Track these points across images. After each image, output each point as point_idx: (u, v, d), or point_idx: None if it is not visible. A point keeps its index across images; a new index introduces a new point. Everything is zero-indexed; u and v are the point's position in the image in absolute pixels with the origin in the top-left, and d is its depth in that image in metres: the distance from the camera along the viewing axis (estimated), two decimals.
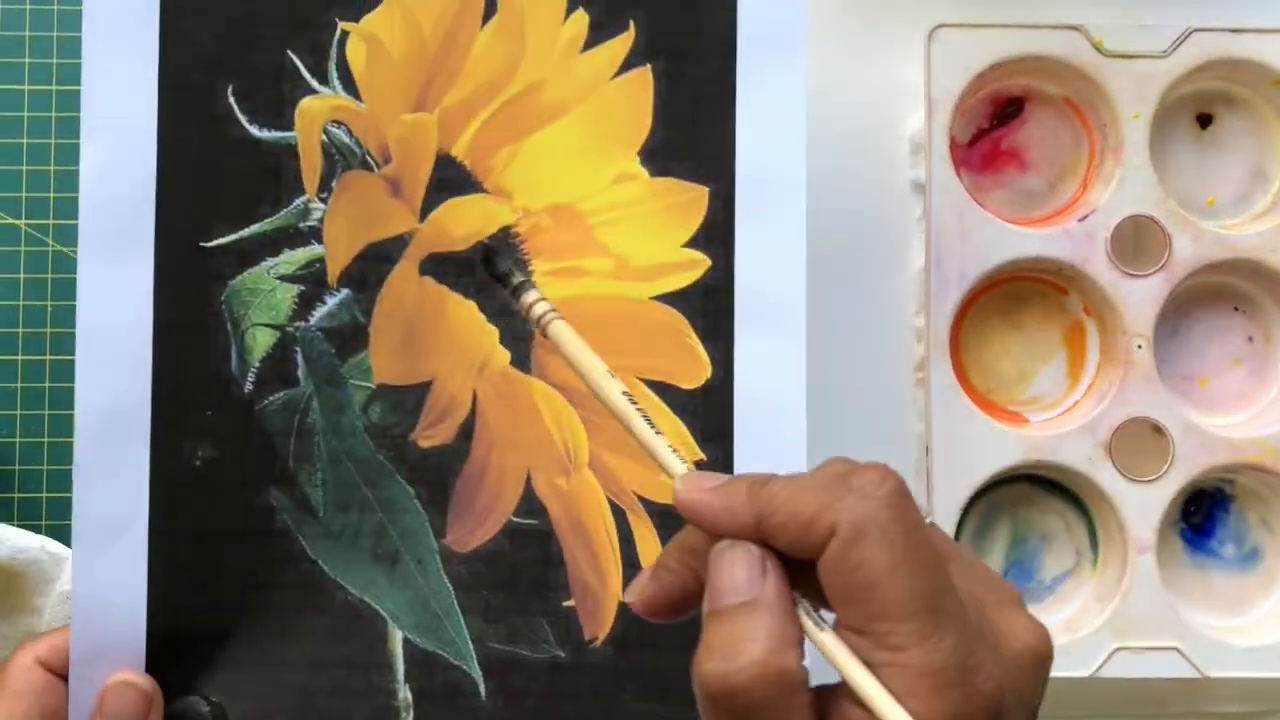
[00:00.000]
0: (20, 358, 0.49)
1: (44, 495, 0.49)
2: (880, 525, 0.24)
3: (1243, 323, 0.50)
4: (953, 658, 0.24)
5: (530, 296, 0.34)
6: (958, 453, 0.46)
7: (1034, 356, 0.50)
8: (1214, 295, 0.50)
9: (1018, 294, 0.50)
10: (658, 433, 0.29)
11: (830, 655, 0.25)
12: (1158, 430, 0.47)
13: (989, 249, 0.47)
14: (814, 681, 0.25)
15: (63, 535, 0.48)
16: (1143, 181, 0.47)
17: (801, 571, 0.25)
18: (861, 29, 0.50)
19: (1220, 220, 0.49)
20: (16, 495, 0.49)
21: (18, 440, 0.49)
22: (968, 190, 0.47)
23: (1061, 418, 0.49)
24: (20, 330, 0.49)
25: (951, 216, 0.47)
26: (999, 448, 0.47)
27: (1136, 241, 0.48)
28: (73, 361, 0.49)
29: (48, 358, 0.49)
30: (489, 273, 0.37)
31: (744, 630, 0.24)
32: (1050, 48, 0.47)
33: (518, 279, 0.35)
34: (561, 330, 0.32)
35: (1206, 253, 0.47)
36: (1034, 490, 0.49)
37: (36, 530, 0.47)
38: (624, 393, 0.30)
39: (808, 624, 0.25)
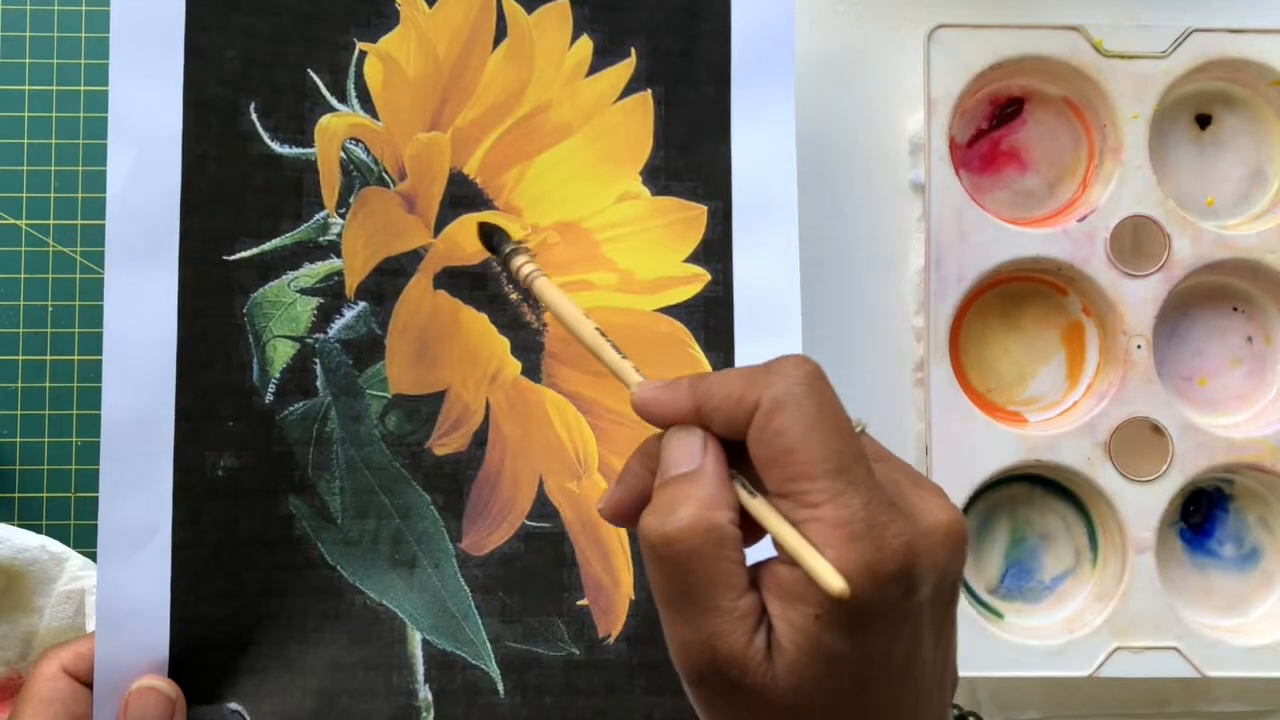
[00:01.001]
0: (20, 358, 0.49)
1: (44, 495, 0.49)
2: (796, 399, 0.28)
3: (1242, 323, 0.50)
4: (861, 513, 0.26)
5: (519, 260, 0.36)
6: (958, 453, 0.46)
7: (1033, 357, 0.50)
8: (1213, 295, 0.50)
9: (1017, 294, 0.50)
10: (623, 357, 0.32)
11: (760, 515, 0.28)
12: (1157, 430, 0.47)
13: (988, 249, 0.47)
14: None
15: (63, 535, 0.48)
16: (1142, 182, 0.48)
17: (742, 457, 0.29)
18: (861, 29, 0.50)
19: (1219, 220, 0.49)
20: (17, 495, 0.49)
21: (18, 440, 0.49)
22: (967, 190, 0.48)
23: (1061, 418, 0.49)
24: (20, 330, 0.49)
25: (951, 217, 0.47)
26: (999, 448, 0.47)
27: (1136, 242, 0.48)
28: (72, 361, 0.49)
29: (48, 358, 0.49)
30: (485, 245, 0.39)
31: (683, 493, 0.28)
32: (1050, 48, 0.47)
33: (508, 247, 0.37)
34: (544, 286, 0.35)
35: (1206, 253, 0.48)
36: (1033, 490, 0.49)
37: (37, 530, 0.47)
38: (596, 328, 0.33)
39: (741, 492, 0.28)
